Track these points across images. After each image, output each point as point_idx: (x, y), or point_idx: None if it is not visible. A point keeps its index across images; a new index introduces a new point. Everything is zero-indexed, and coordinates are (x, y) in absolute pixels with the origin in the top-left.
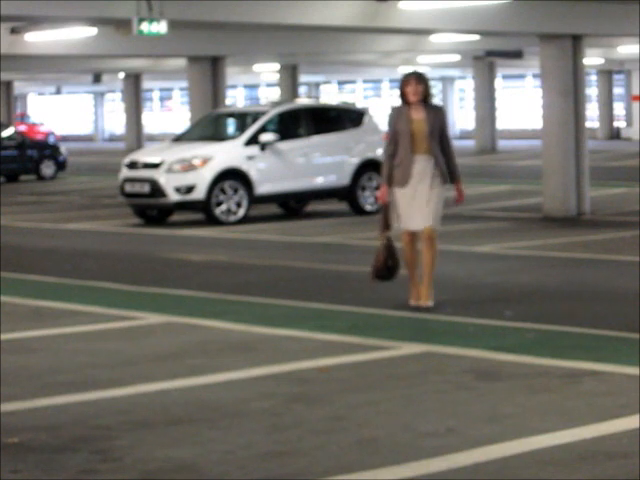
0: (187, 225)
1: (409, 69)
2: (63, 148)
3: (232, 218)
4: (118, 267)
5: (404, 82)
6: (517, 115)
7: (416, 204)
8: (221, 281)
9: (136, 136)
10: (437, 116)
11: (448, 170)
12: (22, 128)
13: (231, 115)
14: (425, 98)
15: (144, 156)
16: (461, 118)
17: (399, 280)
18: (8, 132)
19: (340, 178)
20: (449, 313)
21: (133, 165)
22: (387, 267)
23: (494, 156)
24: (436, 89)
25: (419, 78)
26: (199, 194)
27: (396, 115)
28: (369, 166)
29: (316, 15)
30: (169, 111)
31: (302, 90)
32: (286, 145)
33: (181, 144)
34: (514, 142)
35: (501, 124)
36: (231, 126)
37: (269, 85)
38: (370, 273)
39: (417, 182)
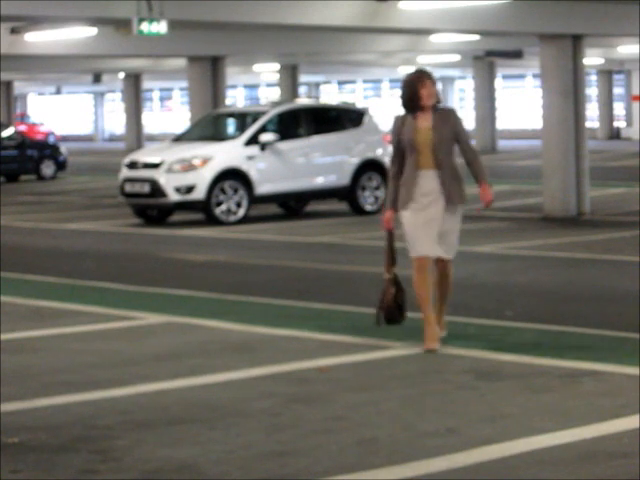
0: (187, 225)
1: (410, 69)
2: (63, 148)
3: (232, 218)
4: (118, 267)
5: (417, 82)
6: (517, 115)
7: (426, 228)
8: (221, 281)
9: (136, 136)
10: (447, 122)
11: (472, 173)
12: (22, 128)
13: (231, 115)
14: (436, 102)
15: (144, 156)
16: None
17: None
18: (8, 132)
19: (340, 178)
20: (450, 313)
21: (133, 165)
22: (397, 305)
23: (494, 156)
24: None
25: (430, 77)
26: (199, 194)
27: (400, 125)
28: (369, 166)
29: (316, 15)
30: (169, 111)
31: (302, 90)
32: (286, 145)
33: (181, 144)
34: (514, 142)
35: (501, 124)
36: (231, 126)
37: (269, 85)
38: (378, 316)
39: (426, 203)
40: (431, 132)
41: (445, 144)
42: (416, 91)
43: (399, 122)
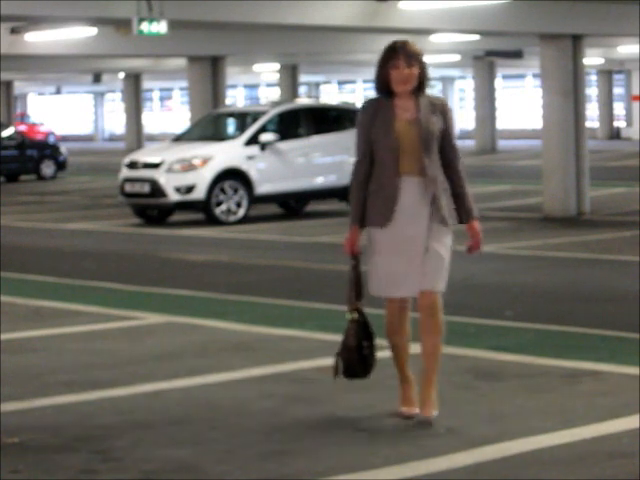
0: (187, 225)
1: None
2: (63, 148)
3: (232, 218)
4: (118, 267)
5: (386, 60)
6: (517, 115)
7: (407, 256)
8: (221, 281)
9: (136, 136)
10: (436, 115)
11: (456, 203)
12: (22, 128)
13: (231, 115)
14: (419, 86)
15: (144, 156)
16: (461, 118)
17: None
18: (8, 132)
19: (340, 178)
20: (450, 313)
21: (133, 165)
22: (361, 357)
23: (494, 156)
24: (436, 89)
25: (411, 55)
26: (199, 194)
27: (371, 114)
28: None
29: (316, 15)
30: (169, 111)
31: (302, 90)
32: (286, 145)
33: (181, 144)
34: (514, 142)
35: (501, 124)
36: (231, 126)
37: (269, 85)
38: (334, 367)
39: (408, 220)
40: (416, 126)
41: (432, 142)
42: (385, 73)
43: (370, 109)
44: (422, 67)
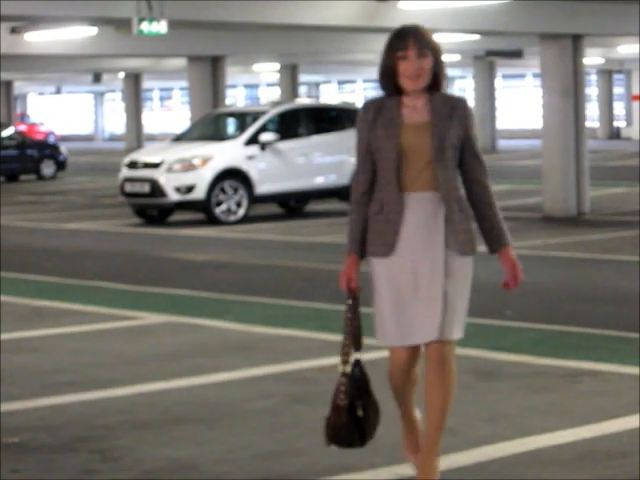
0: (187, 225)
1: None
2: (63, 148)
3: (232, 218)
4: (118, 267)
5: (393, 49)
6: (517, 115)
7: (417, 293)
8: (221, 281)
9: (136, 136)
10: (454, 118)
11: (484, 228)
12: (22, 128)
13: (231, 115)
14: (434, 82)
15: (144, 156)
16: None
17: None
18: (8, 132)
19: (340, 178)
20: None
21: (133, 165)
22: (353, 419)
23: (494, 156)
24: None
25: (423, 42)
26: (199, 194)
27: (372, 117)
28: None
29: (316, 15)
30: (169, 111)
31: (302, 90)
32: (286, 145)
33: (181, 144)
34: (514, 142)
35: (501, 124)
36: (231, 126)
37: (269, 85)
38: (325, 433)
39: (416, 247)
40: (428, 130)
41: (449, 152)
42: (392, 65)
43: (370, 111)
44: (437, 57)
